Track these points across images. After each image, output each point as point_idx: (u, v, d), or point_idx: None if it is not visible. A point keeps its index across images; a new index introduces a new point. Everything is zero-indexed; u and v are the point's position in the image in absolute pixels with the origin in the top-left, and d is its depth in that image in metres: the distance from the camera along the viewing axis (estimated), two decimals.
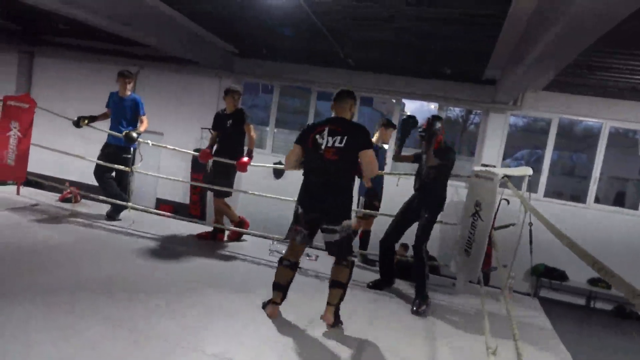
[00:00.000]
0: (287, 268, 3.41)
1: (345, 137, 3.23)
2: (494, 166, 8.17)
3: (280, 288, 3.40)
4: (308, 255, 5.03)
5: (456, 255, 4.48)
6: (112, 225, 5.36)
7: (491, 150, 8.69)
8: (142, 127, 5.54)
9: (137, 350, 2.73)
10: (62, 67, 10.85)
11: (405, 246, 7.69)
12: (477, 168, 4.59)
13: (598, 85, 7.39)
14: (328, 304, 3.33)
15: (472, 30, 5.84)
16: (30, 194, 6.15)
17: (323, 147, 3.25)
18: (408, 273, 4.89)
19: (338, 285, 3.31)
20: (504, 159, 9.01)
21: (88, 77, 10.46)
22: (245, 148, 5.16)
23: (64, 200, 6.00)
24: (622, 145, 9.18)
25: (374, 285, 4.50)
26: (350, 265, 3.36)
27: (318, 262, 4.96)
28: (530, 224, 4.20)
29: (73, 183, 6.25)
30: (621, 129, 8.60)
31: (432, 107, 11.27)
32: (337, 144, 3.22)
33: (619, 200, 8.78)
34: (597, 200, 8.42)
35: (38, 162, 6.31)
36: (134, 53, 9.90)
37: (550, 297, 7.98)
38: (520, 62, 5.39)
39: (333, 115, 3.45)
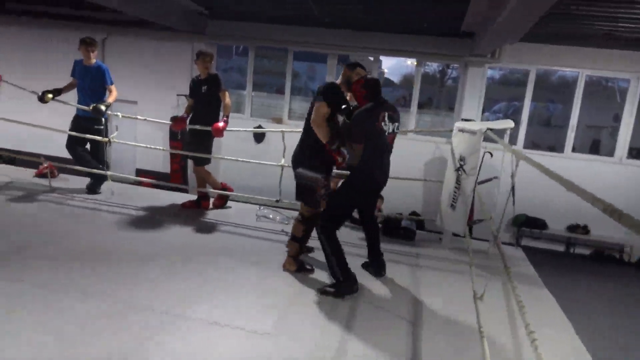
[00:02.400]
0: None
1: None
2: (474, 120, 8.21)
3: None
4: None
5: (441, 209, 4.53)
6: (93, 199, 5.25)
7: (470, 104, 8.70)
8: (110, 98, 5.34)
9: (122, 320, 2.73)
10: (25, 36, 10.31)
11: (380, 197, 7.67)
12: (459, 123, 4.58)
13: (576, 34, 7.38)
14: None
15: None
16: (4, 171, 5.95)
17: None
18: (393, 231, 4.96)
19: (291, 238, 3.75)
20: (482, 112, 9.04)
21: (52, 45, 9.98)
22: (221, 114, 5.04)
23: (40, 175, 5.83)
24: (598, 94, 9.29)
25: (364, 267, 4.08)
26: (303, 220, 3.65)
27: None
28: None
29: (49, 158, 6.05)
30: (595, 77, 8.68)
31: (409, 62, 11.15)
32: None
33: (595, 148, 8.96)
34: (574, 149, 8.58)
35: (9, 138, 6.07)
36: (99, 18, 9.43)
37: (531, 245, 8.23)
38: (499, 12, 5.31)
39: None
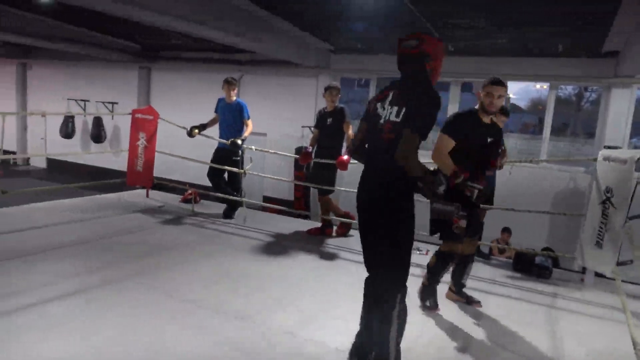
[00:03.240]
0: None
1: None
2: (620, 147, 7.37)
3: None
4: (419, 249, 4.97)
5: (584, 247, 4.11)
6: (229, 223, 5.73)
7: (614, 129, 7.84)
8: (246, 132, 5.84)
9: (264, 341, 2.89)
10: (175, 78, 11.82)
11: (508, 231, 7.14)
12: (606, 151, 4.16)
13: None
14: None
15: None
16: (157, 197, 6.79)
17: None
18: (526, 268, 4.61)
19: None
20: (630, 138, 8.09)
21: (198, 85, 11.27)
22: (344, 145, 5.22)
23: (185, 201, 6.54)
24: None
25: None
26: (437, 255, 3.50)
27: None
28: None
29: (193, 185, 6.78)
30: None
31: (538, 86, 10.45)
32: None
33: None
34: None
35: (162, 167, 6.94)
36: (237, 59, 10.48)
37: None
38: None
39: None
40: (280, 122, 10.46)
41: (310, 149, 5.38)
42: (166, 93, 11.89)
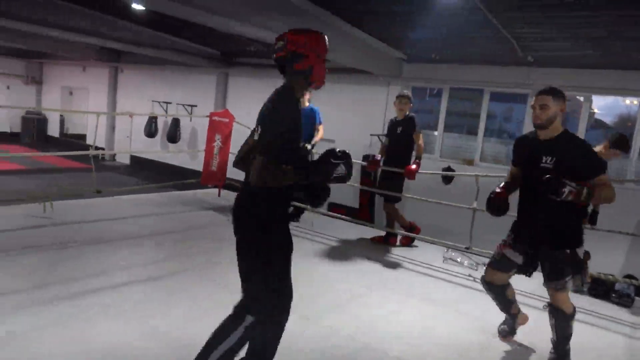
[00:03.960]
0: None
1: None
2: None
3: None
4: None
5: None
6: (296, 226, 5.88)
7: None
8: (317, 137, 5.97)
9: (323, 342, 2.95)
10: (250, 83, 12.29)
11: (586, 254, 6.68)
12: None
13: None
14: None
15: None
16: (228, 196, 7.10)
17: None
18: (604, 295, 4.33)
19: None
20: None
21: (270, 90, 11.62)
22: (414, 155, 5.18)
23: None
24: None
25: None
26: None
27: None
28: None
29: None
30: None
31: (628, 101, 9.76)
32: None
33: None
34: None
35: (232, 168, 7.25)
36: None
37: None
38: None
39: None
40: (348, 129, 10.52)
41: (379, 157, 5.40)
42: (241, 97, 12.39)
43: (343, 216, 6.47)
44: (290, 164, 2.02)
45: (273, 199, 2.12)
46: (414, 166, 5.02)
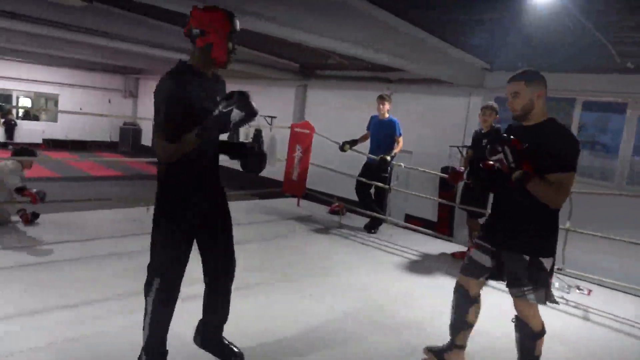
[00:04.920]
0: None
1: None
2: None
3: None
4: (579, 288, 4.52)
5: None
6: (375, 238, 5.87)
7: None
8: (396, 149, 5.93)
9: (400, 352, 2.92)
10: (328, 95, 12.51)
11: None
12: None
13: None
14: None
15: None
16: (306, 206, 7.26)
17: None
18: None
19: None
20: None
21: (348, 102, 11.76)
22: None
23: (333, 212, 6.87)
24: None
25: None
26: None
27: None
28: None
29: (340, 198, 7.10)
30: None
31: None
32: None
33: None
34: None
35: (313, 178, 7.40)
36: (386, 77, 10.70)
37: None
38: None
39: None
40: (427, 140, 10.33)
41: (462, 169, 5.25)
42: (319, 109, 12.62)
43: (422, 229, 6.36)
44: (177, 135, 2.11)
45: (170, 179, 2.31)
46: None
